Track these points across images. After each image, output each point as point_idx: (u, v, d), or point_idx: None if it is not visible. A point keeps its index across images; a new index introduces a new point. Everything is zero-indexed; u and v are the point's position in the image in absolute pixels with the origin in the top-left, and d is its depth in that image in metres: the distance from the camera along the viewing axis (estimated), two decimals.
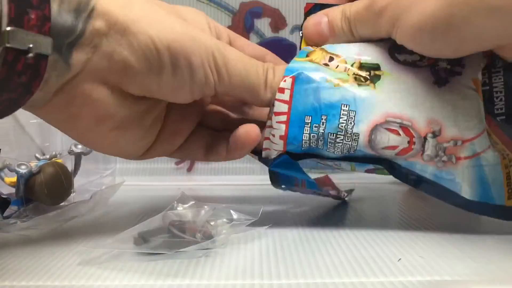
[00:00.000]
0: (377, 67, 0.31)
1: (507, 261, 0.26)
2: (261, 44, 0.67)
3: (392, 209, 0.39)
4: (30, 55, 0.23)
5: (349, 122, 0.30)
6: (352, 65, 0.31)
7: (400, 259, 0.26)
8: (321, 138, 0.31)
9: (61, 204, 0.38)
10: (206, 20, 0.33)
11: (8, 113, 0.25)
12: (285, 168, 0.32)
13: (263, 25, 0.57)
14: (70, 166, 0.40)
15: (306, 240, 0.30)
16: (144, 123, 0.30)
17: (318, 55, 0.32)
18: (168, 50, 0.27)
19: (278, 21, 0.57)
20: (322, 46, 0.32)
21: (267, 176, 0.33)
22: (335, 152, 0.31)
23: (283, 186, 0.35)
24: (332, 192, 0.40)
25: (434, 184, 0.31)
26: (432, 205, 0.41)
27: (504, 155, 0.32)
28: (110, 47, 0.26)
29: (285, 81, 0.30)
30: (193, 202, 0.32)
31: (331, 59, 0.31)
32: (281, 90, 0.30)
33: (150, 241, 0.28)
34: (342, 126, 0.30)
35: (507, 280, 0.23)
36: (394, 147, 0.31)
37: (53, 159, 0.40)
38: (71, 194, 0.39)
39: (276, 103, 0.30)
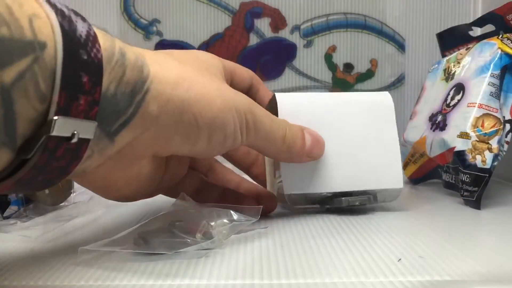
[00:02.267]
0: None
1: (507, 261, 0.26)
2: (261, 44, 0.67)
3: (392, 209, 0.39)
4: (74, 140, 0.22)
5: None
6: None
7: (400, 259, 0.26)
8: None
9: (61, 204, 0.38)
10: (222, 64, 0.34)
11: (40, 190, 0.25)
12: None
13: (263, 25, 0.57)
14: None
15: (306, 240, 0.30)
16: (156, 174, 0.31)
17: None
18: (208, 126, 0.27)
19: (278, 21, 0.57)
20: None
21: None
22: None
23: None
24: None
25: None
26: (432, 205, 0.41)
27: None
28: (158, 128, 0.26)
29: None
30: (193, 202, 0.32)
31: None
32: None
33: (150, 241, 0.28)
34: None
35: (507, 280, 0.24)
36: None
37: None
38: (71, 194, 0.39)
39: None
